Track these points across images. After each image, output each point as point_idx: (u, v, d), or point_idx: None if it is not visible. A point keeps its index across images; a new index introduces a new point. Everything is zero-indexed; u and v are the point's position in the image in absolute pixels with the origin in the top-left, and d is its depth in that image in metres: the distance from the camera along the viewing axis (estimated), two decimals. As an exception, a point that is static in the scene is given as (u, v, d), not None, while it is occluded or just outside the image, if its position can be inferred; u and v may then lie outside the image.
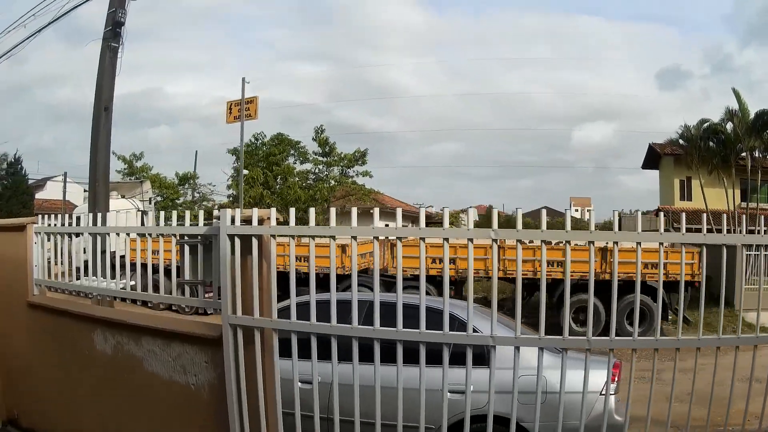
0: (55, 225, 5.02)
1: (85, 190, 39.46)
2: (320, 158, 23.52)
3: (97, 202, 8.43)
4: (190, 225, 4.12)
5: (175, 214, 4.29)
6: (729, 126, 21.60)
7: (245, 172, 20.93)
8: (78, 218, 5.00)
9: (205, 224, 4.01)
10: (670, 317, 13.44)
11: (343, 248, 14.40)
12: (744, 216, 4.33)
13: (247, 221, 3.67)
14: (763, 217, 4.15)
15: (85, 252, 4.69)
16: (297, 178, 22.39)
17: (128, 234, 4.66)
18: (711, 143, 22.13)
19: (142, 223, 19.82)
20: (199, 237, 4.01)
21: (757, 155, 21.39)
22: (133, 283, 4.96)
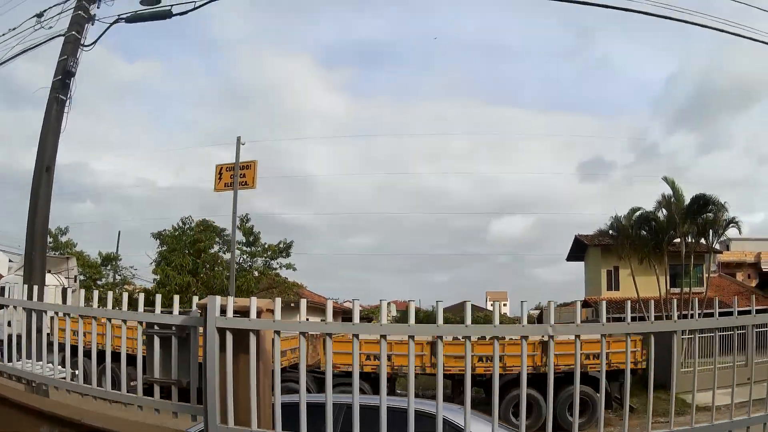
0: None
1: (10, 260, 36.64)
2: (245, 248, 23.15)
3: (33, 269, 7.36)
4: (162, 312, 3.39)
5: (111, 295, 3.62)
6: (661, 213, 21.96)
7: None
8: (8, 289, 4.28)
9: (181, 312, 3.32)
10: (614, 406, 13.32)
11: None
12: (675, 300, 4.19)
13: (242, 312, 3.02)
14: (696, 299, 4.08)
15: (9, 325, 3.89)
16: (222, 268, 21.91)
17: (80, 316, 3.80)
18: (643, 231, 22.36)
19: (64, 301, 18.18)
20: (174, 328, 3.30)
21: (690, 240, 21.81)
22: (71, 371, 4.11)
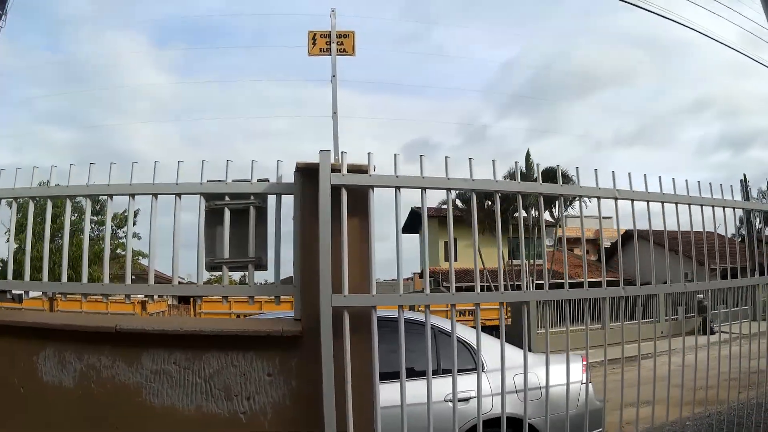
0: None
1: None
2: (92, 217, 21.59)
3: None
4: (234, 181, 2.91)
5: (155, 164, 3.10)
6: (510, 186, 23.09)
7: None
8: None
9: (259, 180, 2.90)
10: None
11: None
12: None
13: (360, 170, 2.73)
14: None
15: None
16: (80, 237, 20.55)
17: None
18: (488, 202, 23.78)
19: None
20: (252, 197, 2.88)
21: (534, 213, 22.88)
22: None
